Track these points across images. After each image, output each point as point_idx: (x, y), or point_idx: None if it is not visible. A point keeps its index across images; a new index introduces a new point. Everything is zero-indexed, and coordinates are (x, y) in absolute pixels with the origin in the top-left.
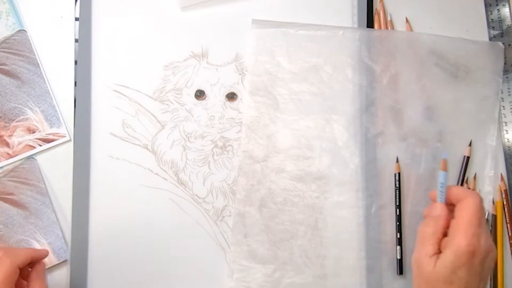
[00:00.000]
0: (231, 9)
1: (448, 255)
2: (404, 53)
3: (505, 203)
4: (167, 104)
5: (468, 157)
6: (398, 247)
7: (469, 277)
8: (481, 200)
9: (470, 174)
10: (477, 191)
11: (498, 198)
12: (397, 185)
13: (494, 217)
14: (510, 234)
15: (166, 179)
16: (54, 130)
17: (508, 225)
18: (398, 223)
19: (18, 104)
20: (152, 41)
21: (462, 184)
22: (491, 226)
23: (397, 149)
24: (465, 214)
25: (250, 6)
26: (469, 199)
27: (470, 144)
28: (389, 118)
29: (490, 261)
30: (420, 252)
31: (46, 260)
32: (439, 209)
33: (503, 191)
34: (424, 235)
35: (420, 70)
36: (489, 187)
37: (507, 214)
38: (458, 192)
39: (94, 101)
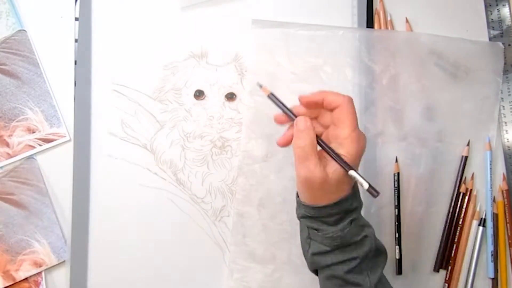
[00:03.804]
0: (231, 9)
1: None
2: (404, 53)
3: (505, 203)
4: (166, 104)
5: (466, 157)
6: (397, 247)
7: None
8: (351, 99)
9: (468, 174)
10: (475, 191)
11: (499, 198)
12: (396, 185)
13: (496, 215)
14: (509, 233)
15: (164, 179)
16: (54, 130)
17: (508, 225)
18: (397, 223)
19: (18, 104)
20: (152, 41)
21: (460, 184)
22: (493, 224)
23: (397, 149)
24: (347, 119)
25: (250, 6)
26: (344, 104)
27: (468, 144)
28: (389, 118)
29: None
30: (308, 166)
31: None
32: (304, 121)
33: (504, 191)
34: (304, 149)
35: (420, 70)
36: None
37: (507, 214)
38: (332, 98)
39: (94, 101)
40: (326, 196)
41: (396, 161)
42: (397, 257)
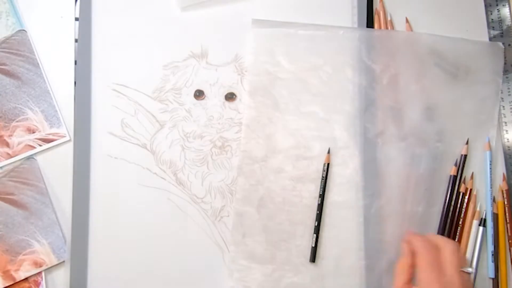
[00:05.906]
0: (231, 9)
1: None
2: (404, 53)
3: (505, 203)
4: (166, 104)
5: (466, 156)
6: (314, 235)
7: None
8: (457, 247)
9: (468, 174)
10: (475, 190)
11: (499, 198)
12: (324, 176)
13: (496, 215)
14: (509, 233)
15: (164, 179)
16: (54, 130)
17: (508, 225)
18: (318, 212)
19: (18, 104)
20: (152, 40)
21: (459, 184)
22: (493, 224)
23: (397, 149)
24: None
25: (250, 6)
26: (446, 248)
27: (467, 143)
28: (389, 118)
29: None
30: (399, 281)
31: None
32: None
33: (504, 191)
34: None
35: (420, 70)
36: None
37: (507, 214)
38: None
39: (94, 101)
40: None
41: (329, 152)
42: (313, 245)
